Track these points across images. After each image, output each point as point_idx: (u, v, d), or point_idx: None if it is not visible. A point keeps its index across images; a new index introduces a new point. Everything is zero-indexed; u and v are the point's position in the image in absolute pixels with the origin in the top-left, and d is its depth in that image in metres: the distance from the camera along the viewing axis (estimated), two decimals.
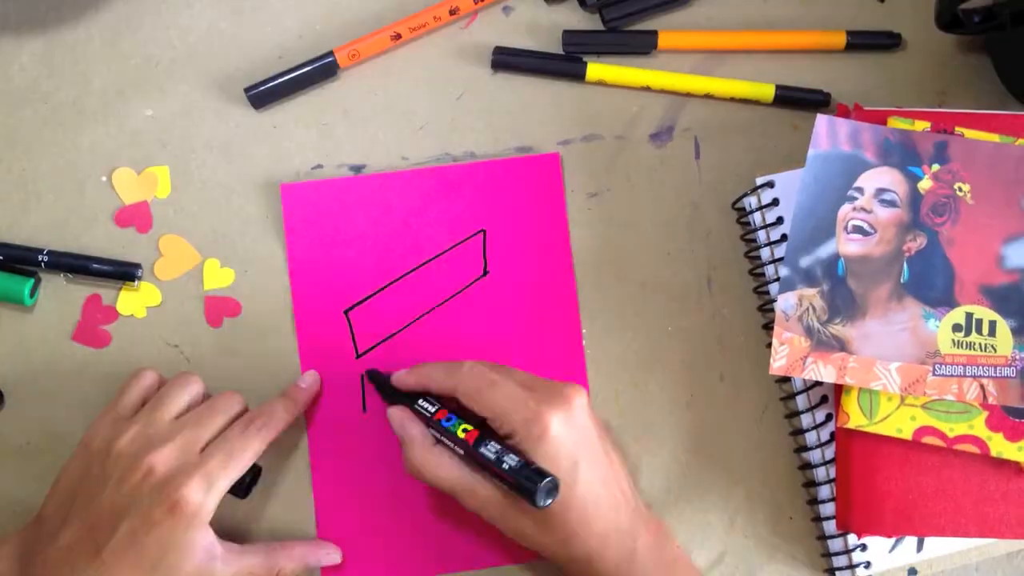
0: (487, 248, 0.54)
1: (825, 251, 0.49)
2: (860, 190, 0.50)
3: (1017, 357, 0.49)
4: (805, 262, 0.49)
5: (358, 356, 0.53)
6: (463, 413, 0.47)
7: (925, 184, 0.50)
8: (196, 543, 0.44)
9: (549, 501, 0.42)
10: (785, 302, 0.49)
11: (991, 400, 0.48)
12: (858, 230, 0.49)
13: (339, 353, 0.53)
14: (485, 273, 0.54)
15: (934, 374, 0.48)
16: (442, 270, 0.54)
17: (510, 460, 0.43)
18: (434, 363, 0.50)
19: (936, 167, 0.50)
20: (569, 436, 0.45)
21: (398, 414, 0.49)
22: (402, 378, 0.50)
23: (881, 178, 0.50)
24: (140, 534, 0.43)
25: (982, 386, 0.48)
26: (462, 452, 0.46)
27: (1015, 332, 0.49)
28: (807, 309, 0.49)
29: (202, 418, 0.47)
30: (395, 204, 0.54)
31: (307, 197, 0.54)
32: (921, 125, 0.50)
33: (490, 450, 0.44)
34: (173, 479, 0.44)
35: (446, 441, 0.47)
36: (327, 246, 0.54)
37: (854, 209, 0.50)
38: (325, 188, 0.54)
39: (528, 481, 0.42)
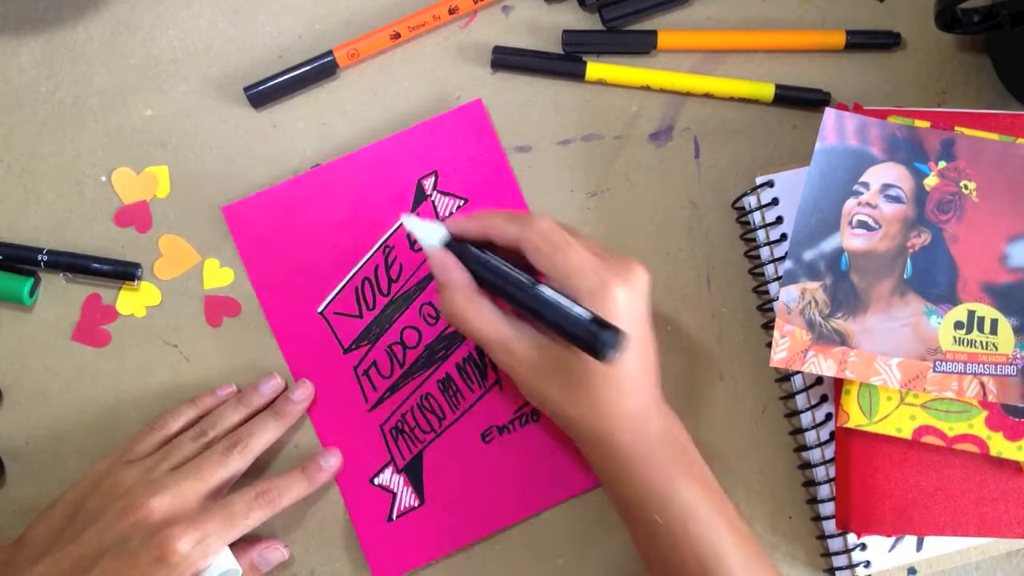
0: (437, 211, 0.54)
1: (829, 245, 0.49)
2: (866, 185, 0.50)
3: (1018, 356, 0.49)
4: (809, 256, 0.49)
5: (345, 351, 0.53)
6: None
7: (931, 181, 0.50)
8: None
9: (615, 357, 0.41)
10: (787, 295, 0.49)
11: (991, 398, 0.48)
12: (863, 225, 0.49)
13: (326, 354, 0.53)
14: None
15: (934, 371, 0.48)
16: (401, 245, 0.54)
17: (580, 309, 0.42)
18: (498, 211, 0.47)
19: (942, 164, 0.50)
20: (627, 313, 0.44)
21: (442, 256, 0.46)
22: (461, 224, 0.46)
23: (887, 174, 0.50)
24: (121, 574, 0.43)
25: (982, 384, 0.48)
26: (524, 292, 0.43)
27: (1016, 331, 0.49)
28: (809, 302, 0.49)
29: (202, 468, 0.47)
30: (338, 193, 0.54)
31: (251, 212, 0.53)
32: (921, 125, 0.50)
33: (557, 296, 0.42)
34: (167, 527, 0.44)
35: (500, 283, 0.44)
36: (285, 254, 0.53)
37: (859, 204, 0.50)
38: (267, 198, 0.53)
39: (597, 332, 0.40)
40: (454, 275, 0.46)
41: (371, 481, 0.53)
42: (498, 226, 0.45)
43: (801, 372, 0.53)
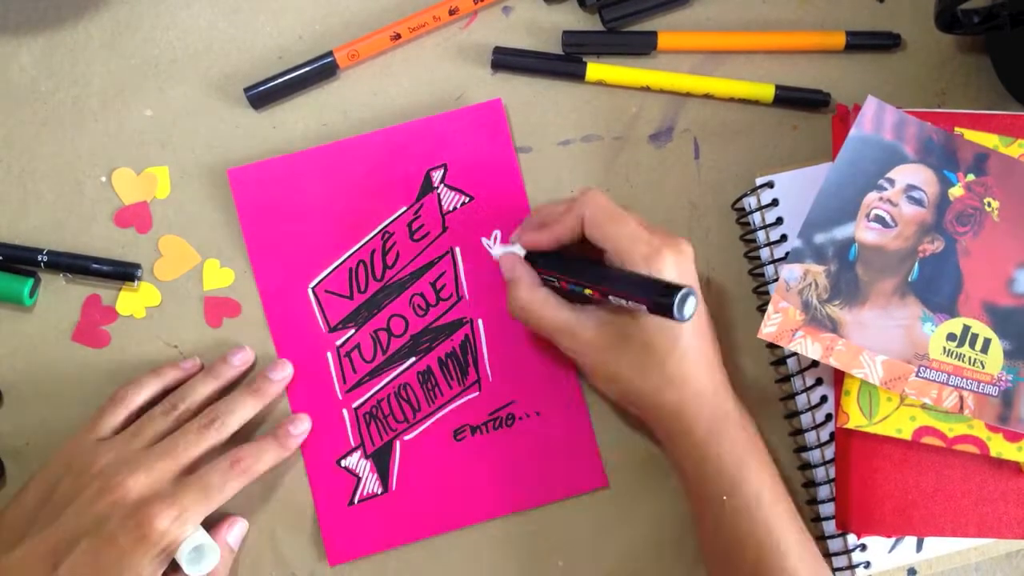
0: (442, 204, 0.54)
1: (842, 232, 0.49)
2: (891, 181, 0.50)
3: (1003, 378, 0.49)
4: (819, 239, 0.49)
5: (330, 330, 0.53)
6: None
7: (956, 191, 0.50)
8: (153, 574, 0.44)
9: (689, 314, 0.41)
10: (790, 272, 0.49)
11: (966, 413, 0.48)
12: (879, 220, 0.49)
13: (311, 330, 0.53)
14: (444, 230, 0.54)
15: (917, 375, 0.48)
16: (401, 233, 0.54)
17: (645, 274, 0.44)
18: (550, 209, 0.50)
19: (971, 177, 0.50)
20: (681, 279, 0.46)
21: (510, 258, 0.50)
22: (533, 238, 0.49)
23: (915, 175, 0.50)
24: (101, 554, 0.43)
25: (961, 397, 0.48)
26: (590, 268, 0.46)
27: (1007, 354, 0.49)
28: (810, 284, 0.49)
29: (178, 445, 0.47)
30: (346, 173, 0.54)
31: (257, 178, 0.53)
32: (959, 133, 0.50)
33: (620, 268, 0.45)
34: (145, 505, 0.44)
35: (565, 267, 0.48)
36: (284, 225, 0.53)
37: (880, 199, 0.50)
38: (274, 166, 0.53)
39: (668, 290, 0.41)
40: (519, 271, 0.49)
41: (338, 463, 0.53)
42: (564, 224, 0.48)
43: (801, 373, 0.53)
